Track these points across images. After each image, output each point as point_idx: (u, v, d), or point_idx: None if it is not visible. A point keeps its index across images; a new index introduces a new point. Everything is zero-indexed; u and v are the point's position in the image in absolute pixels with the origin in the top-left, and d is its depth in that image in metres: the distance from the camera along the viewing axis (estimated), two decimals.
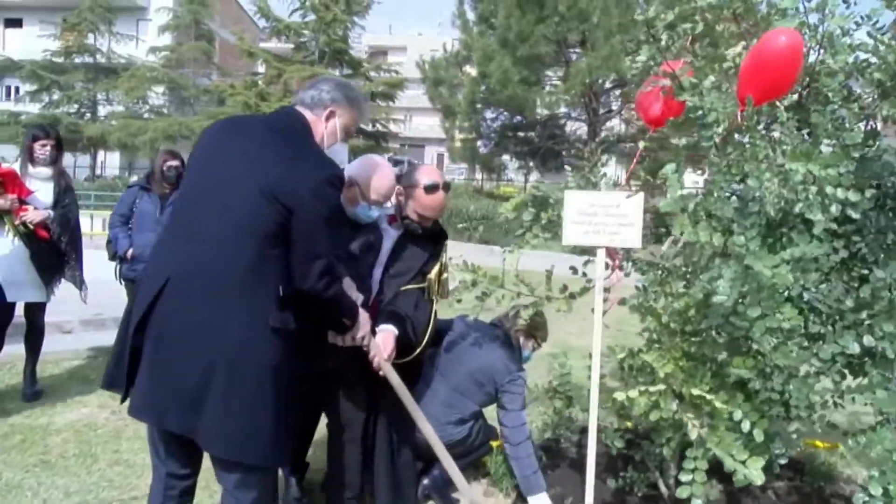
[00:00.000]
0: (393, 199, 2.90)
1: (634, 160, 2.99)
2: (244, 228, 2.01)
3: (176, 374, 1.96)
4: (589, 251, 2.95)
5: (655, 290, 2.84)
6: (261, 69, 27.14)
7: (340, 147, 2.38)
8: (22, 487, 3.26)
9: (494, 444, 3.31)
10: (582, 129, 23.22)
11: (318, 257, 2.09)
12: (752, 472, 2.21)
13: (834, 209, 2.25)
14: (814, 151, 2.07)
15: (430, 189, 2.80)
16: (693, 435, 2.24)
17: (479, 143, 24.58)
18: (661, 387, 2.35)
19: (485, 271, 2.93)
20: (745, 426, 2.34)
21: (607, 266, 2.88)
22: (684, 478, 2.38)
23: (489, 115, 23.62)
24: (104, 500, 3.19)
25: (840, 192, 2.21)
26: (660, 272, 3.03)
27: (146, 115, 27.89)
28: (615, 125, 23.50)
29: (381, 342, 2.62)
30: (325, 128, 2.31)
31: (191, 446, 2.07)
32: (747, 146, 2.18)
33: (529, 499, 3.10)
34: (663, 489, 3.17)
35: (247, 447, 2.00)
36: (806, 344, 2.36)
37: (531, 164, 24.46)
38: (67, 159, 15.32)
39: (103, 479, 3.40)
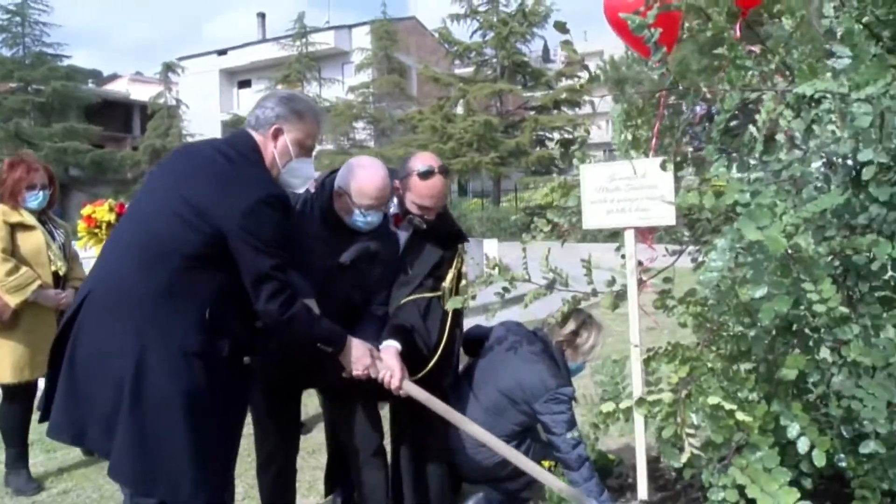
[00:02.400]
0: (395, 200, 2.66)
1: (660, 110, 2.45)
2: (162, 249, 1.95)
3: (89, 395, 1.90)
4: (618, 235, 2.46)
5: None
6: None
7: (299, 164, 2.22)
8: None
9: (546, 464, 2.87)
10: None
11: (265, 280, 2.00)
12: None
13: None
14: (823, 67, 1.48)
15: (425, 175, 2.53)
16: (683, 458, 1.70)
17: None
18: (669, 395, 1.83)
19: (497, 263, 2.55)
20: (793, 432, 1.76)
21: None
22: None
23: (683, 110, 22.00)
24: None
25: None
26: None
27: (351, 150, 30.02)
28: None
29: (388, 363, 2.40)
30: (275, 147, 2.16)
31: None
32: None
33: None
34: None
35: (149, 481, 1.88)
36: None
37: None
38: None
39: None
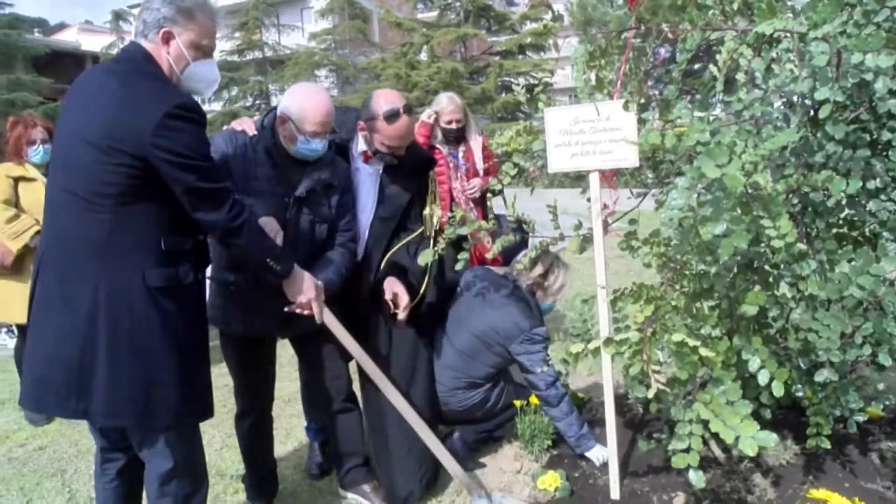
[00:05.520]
0: (361, 138, 2.64)
1: (624, 56, 2.44)
2: (93, 190, 1.82)
3: (56, 354, 1.85)
4: (583, 178, 2.48)
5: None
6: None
7: (199, 67, 2.06)
8: None
9: (518, 403, 2.96)
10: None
11: (202, 193, 1.90)
12: (745, 441, 1.69)
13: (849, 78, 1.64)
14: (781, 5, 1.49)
15: (391, 117, 2.49)
16: (650, 393, 1.76)
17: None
18: (635, 334, 1.88)
19: (463, 213, 2.57)
20: (754, 365, 1.83)
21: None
22: (678, 445, 1.91)
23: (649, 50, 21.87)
24: None
25: (859, 58, 1.61)
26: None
27: None
28: None
29: (390, 286, 2.56)
30: (168, 52, 1.99)
31: None
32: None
33: (587, 454, 2.78)
34: (717, 452, 2.66)
35: (146, 414, 1.89)
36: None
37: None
38: None
39: None
